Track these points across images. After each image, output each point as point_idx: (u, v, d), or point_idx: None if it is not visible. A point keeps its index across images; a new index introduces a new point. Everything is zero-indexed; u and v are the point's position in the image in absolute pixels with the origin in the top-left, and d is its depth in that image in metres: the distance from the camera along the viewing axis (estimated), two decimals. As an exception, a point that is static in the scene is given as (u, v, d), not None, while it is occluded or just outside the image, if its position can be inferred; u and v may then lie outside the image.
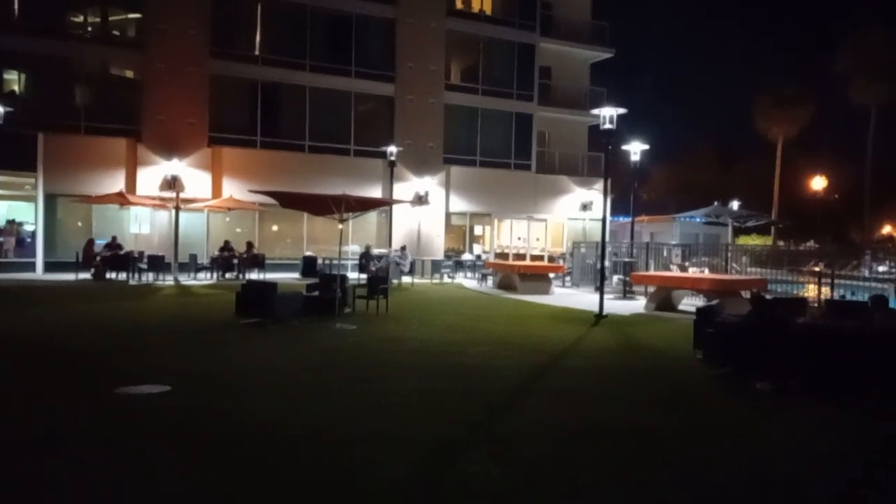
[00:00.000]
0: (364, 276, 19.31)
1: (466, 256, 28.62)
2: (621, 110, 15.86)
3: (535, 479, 5.32)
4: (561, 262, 26.19)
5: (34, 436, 6.01)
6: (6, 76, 24.61)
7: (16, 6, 23.95)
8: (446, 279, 25.98)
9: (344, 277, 15.36)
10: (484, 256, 28.72)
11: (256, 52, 27.44)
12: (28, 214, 23.75)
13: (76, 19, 25.63)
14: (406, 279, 23.72)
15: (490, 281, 23.44)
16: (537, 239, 32.11)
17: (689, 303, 17.27)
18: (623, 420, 7.09)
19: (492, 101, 31.12)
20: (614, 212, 34.55)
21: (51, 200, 23.56)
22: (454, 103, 30.24)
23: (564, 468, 5.59)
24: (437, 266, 26.33)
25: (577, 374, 9.34)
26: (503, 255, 29.82)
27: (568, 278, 24.16)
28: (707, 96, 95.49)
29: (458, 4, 31.03)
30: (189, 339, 11.44)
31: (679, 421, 7.25)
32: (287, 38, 28.01)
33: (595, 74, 35.60)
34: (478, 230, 31.83)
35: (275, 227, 27.38)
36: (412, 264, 25.13)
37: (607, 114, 15.73)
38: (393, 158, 25.65)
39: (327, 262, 24.12)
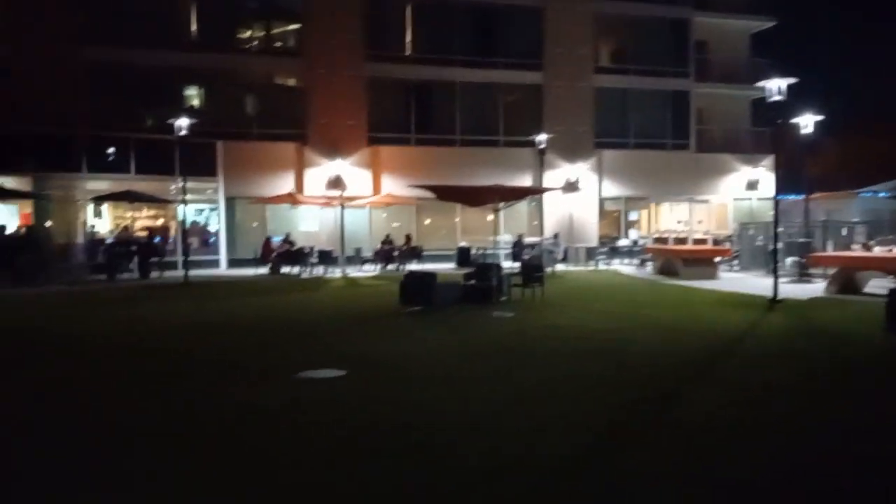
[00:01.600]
0: (517, 264, 19.36)
1: (622, 242, 27.85)
2: (790, 80, 14.70)
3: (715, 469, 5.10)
4: (727, 246, 24.76)
5: (223, 414, 6.61)
6: (187, 91, 27.15)
7: (193, 27, 26.33)
8: (602, 266, 25.44)
9: (499, 266, 15.53)
10: (641, 242, 27.80)
11: (408, 53, 28.31)
12: (212, 216, 26.12)
13: (244, 35, 27.74)
14: (560, 267, 23.51)
15: (649, 267, 22.66)
16: (699, 221, 30.58)
17: (878, 284, 15.71)
18: (825, 415, 6.59)
19: (644, 81, 29.99)
20: (783, 190, 32.08)
21: (230, 203, 25.74)
22: (604, 86, 29.47)
23: (742, 462, 5.31)
24: (591, 253, 25.86)
25: (753, 361, 8.81)
26: (662, 240, 28.69)
27: (735, 262, 22.80)
28: (886, 59, 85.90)
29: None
30: (358, 326, 12.07)
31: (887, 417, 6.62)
32: (436, 36, 28.65)
33: (757, 45, 33.23)
34: (634, 215, 30.86)
35: (430, 220, 28.15)
36: (566, 252, 24.87)
37: (774, 85, 14.65)
38: (542, 146, 25.46)
39: (480, 251, 24.46)
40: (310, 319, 12.95)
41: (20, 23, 23.14)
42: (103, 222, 24.78)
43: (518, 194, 17.78)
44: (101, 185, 22.97)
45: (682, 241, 27.25)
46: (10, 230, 21.22)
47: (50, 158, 21.84)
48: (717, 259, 21.24)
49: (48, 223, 22.63)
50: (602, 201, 29.57)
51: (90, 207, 23.75)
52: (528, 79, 28.88)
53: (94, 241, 23.51)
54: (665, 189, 29.93)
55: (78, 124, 22.40)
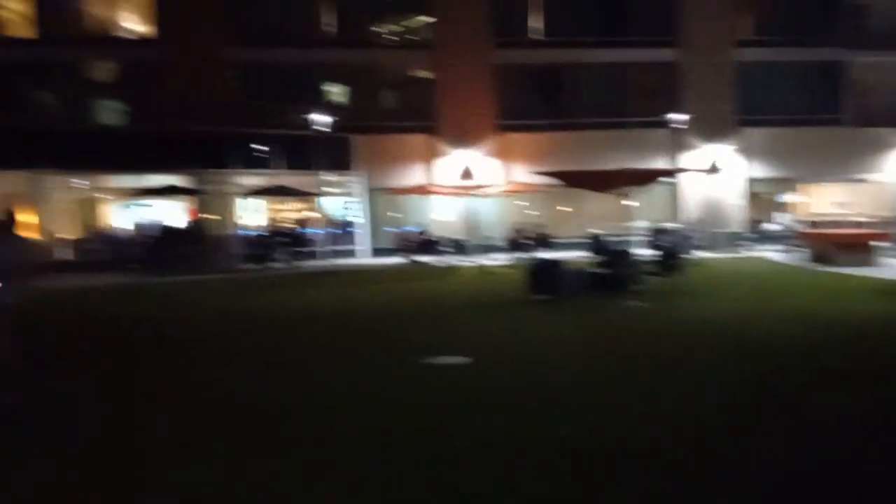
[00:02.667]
0: (654, 251, 18.73)
1: (770, 227, 26.13)
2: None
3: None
4: (888, 229, 22.56)
5: (346, 397, 6.99)
6: (327, 87, 28.47)
7: (332, 25, 27.54)
8: (747, 253, 24.04)
9: (632, 254, 15.12)
10: (792, 226, 25.95)
11: (536, 37, 28.05)
12: (352, 208, 27.30)
13: (377, 29, 28.61)
14: (701, 254, 22.47)
15: (800, 253, 21.14)
16: (857, 203, 28.04)
17: None
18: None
19: (792, 52, 27.83)
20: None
21: (369, 194, 26.77)
22: (747, 60, 27.65)
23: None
24: (735, 238, 24.50)
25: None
26: (815, 224, 26.59)
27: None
28: None
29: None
30: (486, 314, 12.24)
31: None
32: (564, 18, 28.09)
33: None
34: (783, 198, 28.84)
35: (562, 207, 27.77)
36: (707, 238, 23.73)
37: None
38: (678, 127, 24.37)
39: (615, 238, 23.83)
40: (439, 306, 13.30)
41: (178, 28, 25.25)
42: (254, 215, 26.61)
43: (649, 177, 17.14)
44: (252, 180, 24.67)
45: (837, 224, 25.13)
46: (178, 224, 23.36)
47: (207, 156, 23.72)
48: (878, 244, 19.42)
49: (207, 217, 24.63)
50: (747, 183, 27.88)
51: (243, 201, 25.58)
52: (663, 56, 27.69)
53: (246, 233, 25.35)
54: (819, 169, 27.70)
55: (232, 123, 24.16)
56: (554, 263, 14.60)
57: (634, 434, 5.58)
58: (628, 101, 28.08)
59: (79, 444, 5.72)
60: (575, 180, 16.93)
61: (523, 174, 25.80)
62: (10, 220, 7.35)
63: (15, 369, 6.80)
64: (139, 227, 24.19)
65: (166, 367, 8.62)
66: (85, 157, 22.50)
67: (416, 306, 13.41)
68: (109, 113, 27.75)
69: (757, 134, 27.48)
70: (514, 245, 24.43)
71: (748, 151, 27.54)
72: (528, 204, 27.35)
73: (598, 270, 14.77)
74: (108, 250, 23.22)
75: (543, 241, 24.31)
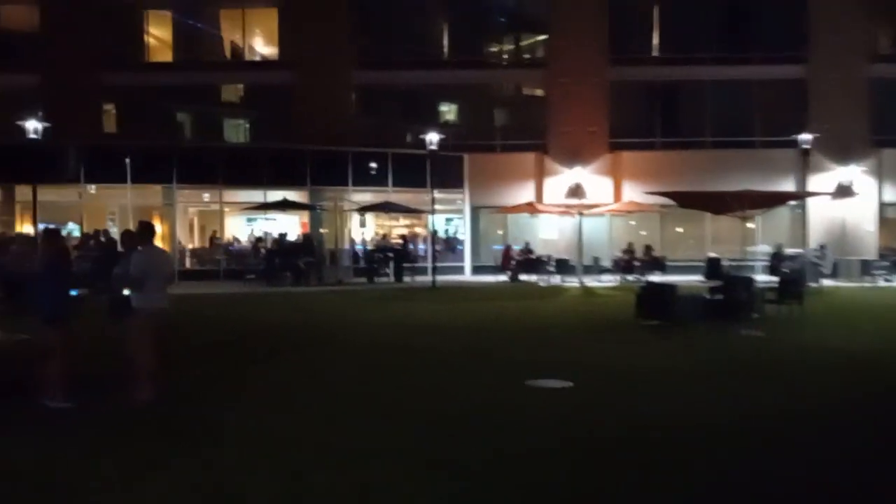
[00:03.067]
0: (775, 278, 17.65)
1: (904, 254, 24.02)
2: None
3: None
4: None
5: (449, 414, 6.94)
6: (440, 107, 28.99)
7: (446, 45, 28.06)
8: (881, 282, 22.21)
9: (751, 280, 14.34)
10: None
11: (653, 54, 27.38)
12: (459, 225, 27.54)
13: (492, 49, 28.87)
14: (827, 282, 20.98)
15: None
16: None
17: None
18: None
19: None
20: None
21: (475, 212, 26.91)
22: (885, 76, 25.70)
23: None
24: (867, 266, 22.68)
25: None
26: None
27: None
28: None
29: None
30: (590, 338, 11.94)
31: None
32: (684, 34, 27.29)
33: None
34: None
35: (678, 229, 26.73)
36: (834, 265, 22.12)
37: None
38: (806, 147, 22.94)
39: (733, 263, 22.66)
40: (543, 327, 13.09)
41: (300, 52, 26.54)
42: (365, 230, 27.38)
43: (771, 200, 16.19)
44: (364, 196, 25.41)
45: None
46: (291, 237, 24.42)
47: (322, 173, 24.71)
48: None
49: (320, 231, 25.59)
50: (882, 207, 25.81)
51: (355, 217, 26.38)
52: (789, 72, 26.23)
53: (357, 247, 26.13)
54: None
55: (346, 142, 25.07)
56: (666, 287, 14.05)
57: (734, 464, 5.23)
58: (751, 119, 26.78)
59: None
60: (691, 201, 16.28)
61: (635, 194, 25.07)
62: (149, 232, 7.92)
63: (147, 370, 7.25)
64: (257, 239, 25.49)
65: (298, 364, 8.96)
66: (211, 172, 24.01)
67: (518, 326, 13.26)
68: (236, 132, 29.60)
69: (892, 155, 25.43)
70: (623, 266, 23.74)
71: (883, 173, 25.52)
72: (638, 224, 26.59)
73: (713, 296, 14.08)
74: (228, 260, 24.61)
75: (655, 264, 23.47)
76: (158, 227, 23.93)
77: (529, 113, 28.50)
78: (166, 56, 28.29)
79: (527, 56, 28.69)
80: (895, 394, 7.73)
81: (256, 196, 24.69)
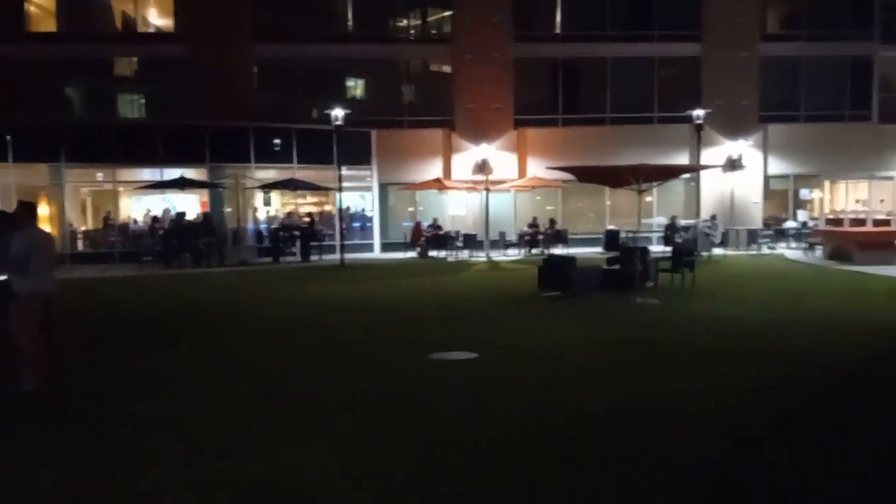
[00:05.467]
0: (669, 248, 18.52)
1: (790, 224, 25.72)
2: None
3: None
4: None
5: (359, 388, 6.96)
6: (346, 82, 28.48)
7: (350, 19, 27.56)
8: (765, 250, 23.70)
9: (645, 250, 14.94)
10: (811, 223, 25.54)
11: (556, 31, 27.84)
12: (367, 202, 27.32)
13: (398, 23, 28.55)
14: (718, 251, 22.19)
15: (819, 251, 20.80)
16: (881, 201, 27.52)
17: None
18: None
19: (818, 48, 27.31)
20: None
21: (383, 189, 26.76)
22: (772, 54, 27.21)
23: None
24: (753, 236, 24.13)
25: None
26: (836, 221, 26.17)
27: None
28: None
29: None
30: (495, 310, 12.16)
31: None
32: (586, 12, 27.86)
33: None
34: (805, 194, 28.37)
35: (580, 203, 27.58)
36: (724, 235, 23.41)
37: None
38: (700, 122, 24.04)
39: (631, 235, 23.63)
40: (449, 301, 13.22)
41: (199, 24, 25.38)
42: (270, 209, 26.73)
43: (664, 173, 16.87)
44: (268, 174, 24.76)
45: (859, 222, 24.70)
46: (190, 216, 23.54)
47: (223, 150, 23.90)
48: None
49: (222, 210, 24.80)
50: (767, 180, 27.46)
51: (258, 195, 25.70)
52: (686, 51, 27.32)
53: (261, 227, 25.49)
54: (842, 165, 27.20)
55: (247, 117, 24.29)
56: (566, 259, 14.48)
57: (618, 422, 5.50)
58: (650, 96, 27.76)
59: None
60: (590, 175, 16.77)
61: (540, 169, 25.60)
62: (30, 212, 7.42)
63: (35, 358, 6.85)
64: (153, 219, 24.46)
65: (194, 347, 8.68)
66: (104, 150, 22.84)
67: (424, 301, 13.34)
68: (130, 107, 28.09)
69: (780, 130, 27.05)
70: (527, 240, 24.32)
71: (770, 147, 27.11)
72: (542, 199, 27.22)
73: (611, 267, 14.63)
74: (124, 242, 23.53)
75: (558, 237, 24.17)
76: (46, 209, 22.60)
77: (437, 89, 28.44)
78: (50, 26, 26.45)
79: (433, 32, 28.56)
80: (782, 357, 8.23)
81: (153, 174, 23.65)
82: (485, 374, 7.52)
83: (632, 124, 27.06)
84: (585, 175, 16.57)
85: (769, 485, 4.50)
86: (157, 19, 27.72)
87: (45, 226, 21.28)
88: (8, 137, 21.00)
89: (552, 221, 25.01)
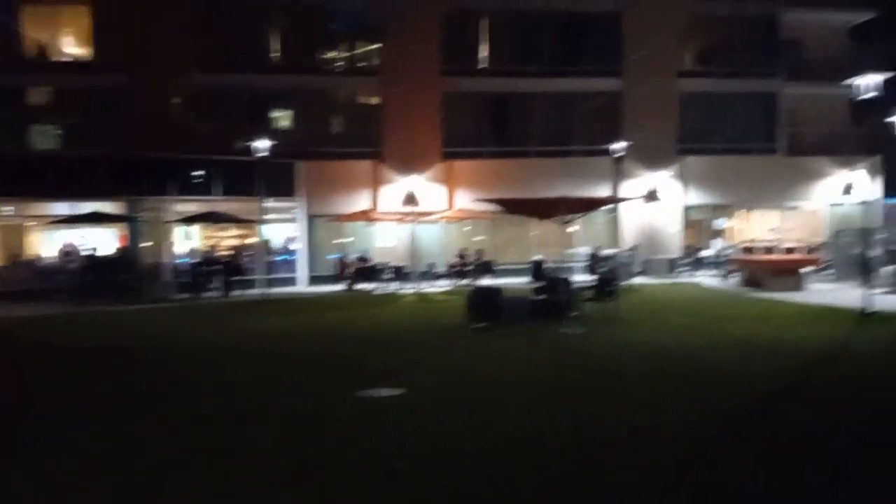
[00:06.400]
0: (593, 277, 18.90)
1: (706, 253, 26.72)
2: (886, 75, 13.76)
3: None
4: (818, 255, 23.33)
5: (287, 419, 6.70)
6: (272, 113, 28.11)
7: (278, 49, 27.31)
8: (684, 279, 24.50)
9: (569, 280, 15.19)
10: (727, 252, 26.61)
11: (483, 66, 28.36)
12: (293, 234, 26.82)
13: (327, 55, 28.44)
14: (638, 280, 22.80)
15: (734, 279, 21.65)
16: (790, 230, 28.98)
17: None
18: None
19: (731, 84, 28.77)
20: (889, 193, 29.99)
21: (311, 221, 26.34)
22: (688, 90, 28.46)
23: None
24: (672, 265, 24.96)
25: (841, 382, 8.23)
26: (749, 250, 27.36)
27: (828, 272, 21.46)
28: None
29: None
30: (422, 342, 12.07)
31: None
32: (511, 48, 28.55)
33: (856, 40, 31.15)
34: (720, 224, 29.59)
35: (507, 234, 27.82)
36: (645, 264, 24.11)
37: (868, 81, 13.77)
38: (619, 155, 24.84)
39: (556, 265, 24.00)
40: (376, 335, 13.05)
41: (115, 52, 24.50)
42: (191, 243, 25.90)
43: (588, 205, 17.34)
44: (189, 206, 24.00)
45: (769, 250, 25.90)
46: (107, 252, 22.55)
47: (141, 182, 23.03)
48: (807, 269, 20.04)
49: (140, 244, 23.85)
50: (685, 210, 28.53)
51: (179, 229, 24.88)
52: (607, 86, 28.29)
53: (181, 261, 24.61)
54: (754, 196, 28.56)
55: (168, 148, 23.55)
56: (493, 290, 14.58)
57: (542, 441, 5.47)
58: (574, 129, 28.53)
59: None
60: (516, 208, 17.05)
61: (468, 201, 25.83)
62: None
63: None
64: (65, 254, 23.26)
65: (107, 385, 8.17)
66: (11, 182, 21.72)
67: (352, 336, 13.13)
68: (44, 139, 26.86)
69: (695, 162, 28.21)
70: (456, 272, 24.39)
71: (686, 179, 28.22)
72: (471, 230, 27.41)
73: (537, 297, 14.79)
74: (33, 279, 22.27)
75: (485, 268, 24.34)
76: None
77: (365, 121, 28.41)
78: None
79: (362, 64, 28.57)
80: (700, 384, 8.42)
81: (66, 208, 22.62)
82: (409, 413, 7.36)
83: (556, 157, 27.68)
84: (513, 207, 16.84)
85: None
86: (73, 48, 26.76)
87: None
88: None
89: (479, 252, 25.19)
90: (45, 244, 24.61)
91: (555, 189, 24.00)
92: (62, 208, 22.97)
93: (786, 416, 6.91)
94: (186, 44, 25.12)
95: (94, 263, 20.94)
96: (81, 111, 25.55)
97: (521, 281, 23.32)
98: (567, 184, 23.29)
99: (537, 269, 23.67)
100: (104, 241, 23.41)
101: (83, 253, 22.63)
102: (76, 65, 26.11)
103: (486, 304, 13.82)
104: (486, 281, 22.90)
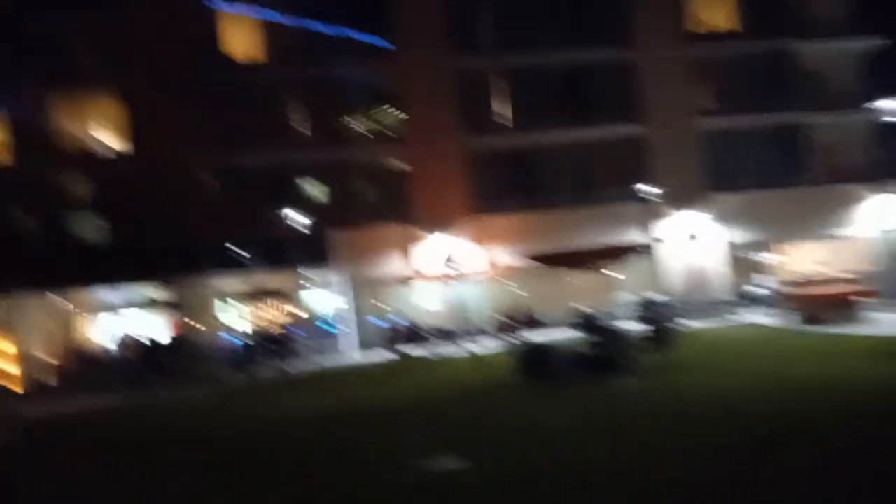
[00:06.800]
0: (644, 326, 18.58)
1: (753, 290, 26.18)
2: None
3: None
4: (871, 284, 22.65)
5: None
6: (301, 186, 28.65)
7: (307, 124, 27.99)
8: (737, 319, 23.93)
9: (622, 330, 14.97)
10: (774, 287, 26.04)
11: (504, 122, 28.72)
12: (334, 304, 26.96)
13: (348, 126, 29.03)
14: (689, 323, 22.32)
15: (786, 315, 21.12)
16: (837, 261, 28.23)
17: None
18: None
19: (753, 119, 28.74)
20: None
21: (350, 288, 26.45)
22: (711, 128, 28.42)
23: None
24: (721, 305, 24.45)
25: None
26: (800, 284, 26.71)
27: (885, 302, 20.83)
28: None
29: (699, 27, 29.53)
30: (480, 407, 11.85)
31: None
32: (530, 103, 28.83)
33: (876, 64, 31.00)
34: (764, 259, 29.03)
35: (547, 286, 27.54)
36: (693, 306, 23.67)
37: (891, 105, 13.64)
38: (649, 199, 24.73)
39: (603, 313, 23.63)
40: (433, 402, 12.91)
41: (152, 140, 25.34)
42: (238, 320, 26.11)
43: (621, 252, 17.21)
44: (232, 283, 24.39)
45: (818, 283, 25.27)
46: (160, 336, 22.84)
47: (185, 263, 23.49)
48: (862, 300, 19.47)
49: (190, 326, 24.15)
50: (727, 248, 28.12)
51: (224, 306, 25.17)
52: (629, 132, 28.31)
53: (230, 339, 24.81)
54: (793, 229, 28.06)
55: (208, 229, 24.04)
56: (544, 347, 14.42)
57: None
58: (600, 177, 28.54)
59: None
60: (554, 262, 16.98)
61: (504, 256, 25.85)
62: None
63: None
64: (121, 342, 23.61)
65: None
66: (63, 274, 22.29)
67: (409, 404, 13.00)
68: (87, 228, 27.67)
69: (730, 199, 27.90)
70: (503, 329, 24.19)
71: (724, 217, 27.90)
72: (512, 285, 27.22)
73: (589, 350, 14.54)
74: (91, 370, 22.52)
75: (532, 322, 24.13)
76: (5, 344, 21.78)
77: (394, 185, 28.70)
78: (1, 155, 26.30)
79: (384, 131, 29.09)
80: (742, 422, 8.17)
81: (116, 295, 23.13)
82: (479, 485, 7.19)
83: (584, 206, 27.52)
84: (552, 261, 16.78)
85: None
86: (113, 140, 27.73)
87: (7, 362, 20.52)
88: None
89: (523, 307, 25.01)
90: (99, 331, 25.01)
91: (586, 238, 23.95)
92: (111, 295, 23.47)
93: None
94: (210, 126, 25.96)
95: (149, 350, 21.22)
96: (114, 199, 26.34)
97: (568, 334, 23.05)
98: (598, 232, 23.26)
99: (587, 321, 23.31)
100: (155, 325, 23.78)
101: (138, 339, 22.89)
102: (105, 155, 27.02)
103: (538, 361, 13.68)
104: (533, 335, 22.64)
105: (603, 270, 14.66)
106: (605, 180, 28.43)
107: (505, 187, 28.46)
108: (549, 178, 28.60)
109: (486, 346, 23.31)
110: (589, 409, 10.57)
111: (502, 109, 29.01)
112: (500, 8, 28.60)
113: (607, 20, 28.37)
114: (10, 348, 21.90)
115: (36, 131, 26.23)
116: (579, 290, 26.96)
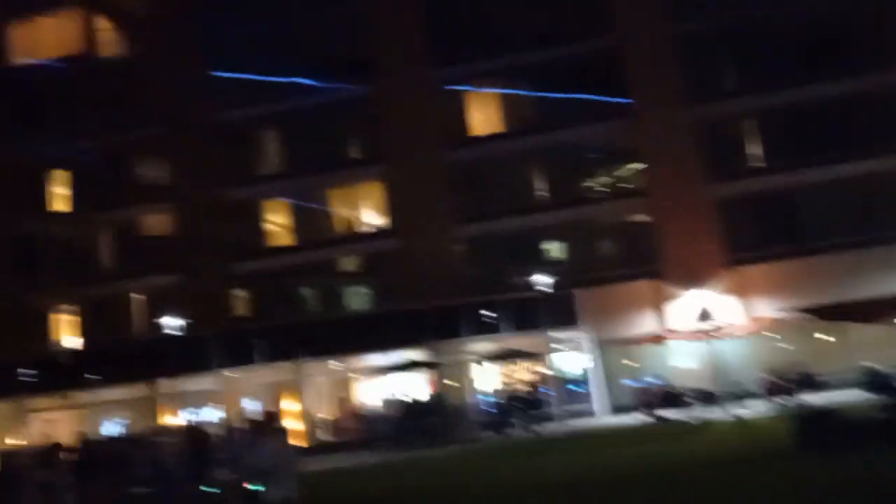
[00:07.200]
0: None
1: None
2: None
3: None
4: None
5: None
6: (546, 247, 29.16)
7: (547, 187, 28.60)
8: None
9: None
10: None
11: (753, 164, 26.85)
12: (583, 364, 26.57)
13: (588, 184, 29.14)
14: None
15: None
16: None
17: None
18: None
19: None
20: None
21: (598, 349, 25.96)
22: None
23: None
24: None
25: None
26: None
27: None
28: None
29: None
30: (752, 482, 10.71)
31: None
32: (783, 139, 26.66)
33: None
34: None
35: (818, 342, 24.51)
36: None
37: None
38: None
39: (892, 371, 20.33)
40: (699, 474, 11.95)
41: (409, 216, 28.08)
42: (490, 381, 26.92)
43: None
44: (484, 346, 25.27)
45: None
46: (421, 397, 24.34)
47: (441, 328, 24.92)
48: None
49: (446, 386, 25.40)
50: None
51: (477, 368, 26.10)
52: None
53: (483, 400, 25.60)
54: None
55: (460, 294, 25.41)
56: (825, 411, 12.79)
57: None
58: (873, 216, 25.18)
59: None
60: (834, 313, 15.10)
61: (766, 309, 23.62)
62: (271, 420, 8.10)
63: None
64: (387, 403, 25.54)
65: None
66: (338, 342, 24.89)
67: (671, 474, 12.15)
68: (356, 299, 30.91)
69: None
70: (772, 390, 21.82)
71: None
72: (779, 339, 24.64)
73: (881, 415, 12.58)
74: (360, 428, 24.62)
75: (807, 383, 21.52)
76: (290, 403, 24.72)
77: (638, 241, 28.08)
78: (286, 240, 30.55)
79: (625, 185, 28.68)
80: None
81: (383, 359, 25.21)
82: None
83: (858, 248, 24.26)
84: (832, 315, 14.97)
85: None
86: (370, 218, 30.83)
87: (294, 420, 23.26)
88: (257, 341, 23.81)
89: (796, 365, 22.33)
90: (367, 393, 27.37)
91: (867, 284, 20.99)
92: (378, 359, 25.60)
93: None
94: (458, 198, 27.76)
95: (411, 410, 22.69)
96: (378, 272, 29.15)
97: (852, 394, 20.14)
98: (883, 277, 20.27)
99: (875, 379, 20.23)
100: (417, 386, 25.41)
101: (402, 399, 24.62)
102: (369, 233, 30.07)
103: (819, 427, 12.13)
104: (809, 398, 20.17)
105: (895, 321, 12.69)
106: (879, 219, 24.99)
107: (762, 234, 26.41)
108: (814, 220, 25.90)
109: (754, 409, 21.17)
110: (883, 487, 9.04)
111: (752, 151, 27.14)
112: (737, 49, 27.19)
113: (865, 47, 25.64)
114: (297, 407, 24.71)
115: (313, 215, 30.24)
116: (862, 345, 23.53)
